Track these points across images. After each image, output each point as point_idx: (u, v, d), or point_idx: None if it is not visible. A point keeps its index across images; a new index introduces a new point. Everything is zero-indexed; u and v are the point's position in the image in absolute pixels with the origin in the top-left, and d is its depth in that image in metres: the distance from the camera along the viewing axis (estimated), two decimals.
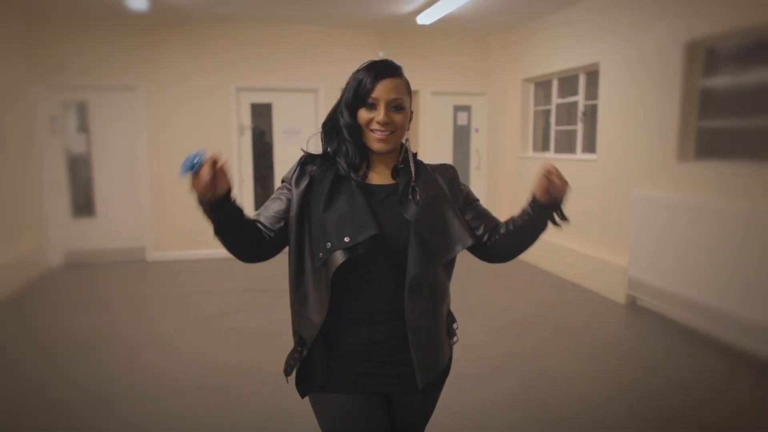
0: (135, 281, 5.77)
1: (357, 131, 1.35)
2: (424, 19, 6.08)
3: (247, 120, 6.84)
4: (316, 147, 1.47)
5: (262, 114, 6.91)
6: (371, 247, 1.28)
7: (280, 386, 2.55)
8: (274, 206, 1.39)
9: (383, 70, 1.34)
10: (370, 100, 1.33)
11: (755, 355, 3.57)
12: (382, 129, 1.33)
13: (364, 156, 1.38)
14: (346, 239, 1.27)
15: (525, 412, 2.96)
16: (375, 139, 1.34)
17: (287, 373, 1.42)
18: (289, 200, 1.37)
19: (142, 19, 6.17)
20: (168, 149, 6.52)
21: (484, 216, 1.50)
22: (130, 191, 6.57)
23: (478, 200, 1.52)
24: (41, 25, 6.02)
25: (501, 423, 2.86)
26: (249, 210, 6.90)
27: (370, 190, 1.37)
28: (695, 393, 3.17)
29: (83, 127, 6.48)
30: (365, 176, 1.39)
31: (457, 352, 3.74)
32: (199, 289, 5.41)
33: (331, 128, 1.41)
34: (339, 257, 1.27)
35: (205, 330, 4.24)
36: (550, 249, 5.97)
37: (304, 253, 1.34)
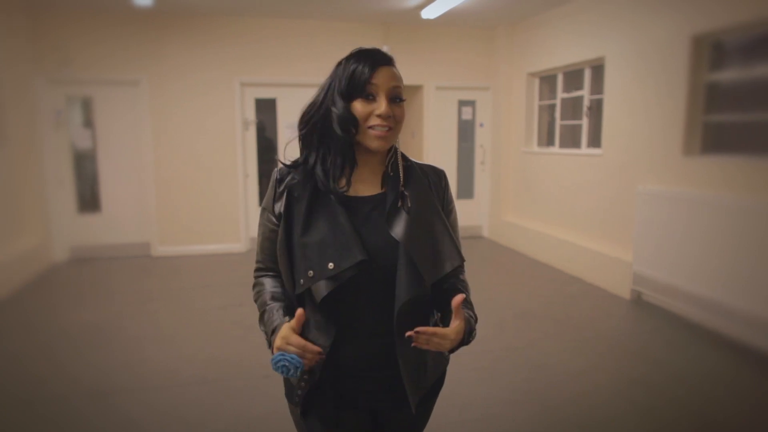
0: (140, 276, 5.79)
1: (352, 124, 1.18)
2: (429, 13, 6.06)
3: (251, 115, 6.84)
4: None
5: (266, 109, 6.91)
6: (358, 272, 1.17)
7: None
8: (271, 248, 1.29)
9: (380, 58, 1.19)
10: (368, 90, 1.17)
11: (761, 350, 3.56)
12: (383, 124, 1.17)
13: (349, 161, 1.22)
14: (330, 265, 1.15)
15: (528, 405, 2.96)
16: (374, 137, 1.18)
17: (297, 404, 1.29)
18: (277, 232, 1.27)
19: (146, 13, 6.18)
20: (172, 144, 6.53)
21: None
22: (135, 186, 6.58)
23: (456, 225, 1.37)
24: (45, 19, 6.03)
25: (504, 416, 2.86)
26: (253, 203, 6.92)
27: (352, 205, 1.22)
28: (700, 388, 3.16)
29: (88, 122, 6.50)
30: (349, 186, 1.23)
31: None
32: (203, 284, 5.43)
33: (312, 127, 1.24)
34: (321, 288, 1.16)
35: (209, 324, 4.25)
36: (554, 243, 5.96)
37: (295, 281, 1.23)
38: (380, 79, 1.17)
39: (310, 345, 1.15)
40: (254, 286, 1.36)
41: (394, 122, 1.19)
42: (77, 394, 3.09)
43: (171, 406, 2.97)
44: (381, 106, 1.17)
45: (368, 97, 1.18)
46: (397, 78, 1.20)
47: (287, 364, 1.11)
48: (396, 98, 1.20)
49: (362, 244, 1.17)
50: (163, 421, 2.82)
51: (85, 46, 6.19)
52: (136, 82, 6.39)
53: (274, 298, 1.29)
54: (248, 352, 3.63)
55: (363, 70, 1.17)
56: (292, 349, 1.13)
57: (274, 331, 1.20)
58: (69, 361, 3.54)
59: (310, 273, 1.17)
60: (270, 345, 1.21)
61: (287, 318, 1.22)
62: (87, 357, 3.61)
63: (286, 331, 1.15)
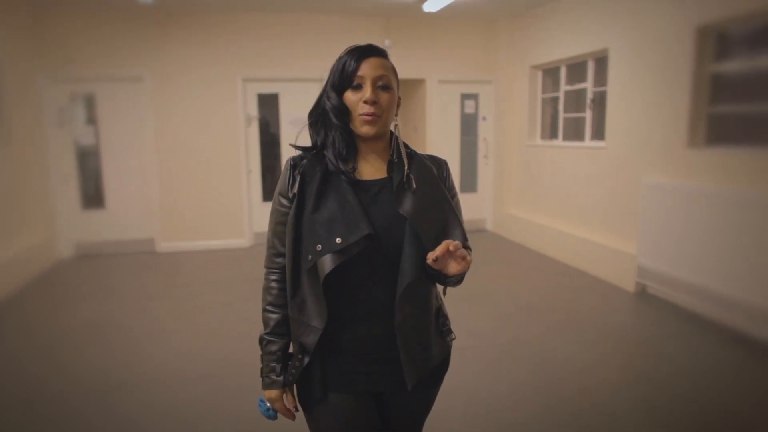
0: (145, 273, 5.81)
1: (344, 113, 1.29)
2: (431, 6, 6.03)
3: (254, 110, 6.84)
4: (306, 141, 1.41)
5: (269, 104, 6.91)
6: (364, 247, 1.22)
7: None
8: (284, 232, 1.34)
9: (367, 50, 1.30)
10: (355, 80, 1.27)
11: (766, 342, 3.55)
12: (369, 109, 1.26)
13: (352, 145, 1.32)
14: (338, 240, 1.21)
15: (532, 399, 2.96)
16: (362, 122, 1.28)
17: (290, 384, 1.41)
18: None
19: (148, 10, 6.17)
20: (175, 140, 6.54)
21: None
22: (138, 183, 6.60)
23: (459, 210, 1.41)
24: (47, 16, 6.03)
25: (508, 410, 2.86)
26: (256, 198, 6.91)
27: (360, 186, 1.31)
28: (705, 381, 3.15)
29: (91, 119, 6.50)
30: (354, 169, 1.32)
31: (464, 339, 3.72)
32: (208, 280, 5.44)
33: (317, 118, 1.35)
34: (328, 262, 1.22)
35: (213, 321, 4.26)
36: (558, 236, 5.94)
37: (300, 257, 1.29)
38: (366, 69, 1.28)
39: (286, 414, 1.43)
40: (263, 288, 1.45)
41: (380, 108, 1.28)
42: (79, 394, 3.08)
43: (172, 405, 2.96)
44: (366, 92, 1.27)
45: (356, 87, 1.28)
46: (383, 67, 1.29)
47: (265, 412, 1.46)
48: (382, 86, 1.29)
49: (370, 221, 1.24)
50: (163, 421, 2.81)
51: (88, 43, 6.19)
52: (139, 78, 6.39)
53: (278, 325, 1.43)
54: (253, 348, 3.59)
55: (350, 63, 1.28)
56: (275, 407, 1.43)
57: (269, 377, 1.42)
58: (74, 361, 3.54)
59: (319, 247, 1.23)
60: (262, 374, 1.44)
61: (282, 377, 1.40)
62: (92, 356, 3.62)
63: (277, 395, 1.40)
